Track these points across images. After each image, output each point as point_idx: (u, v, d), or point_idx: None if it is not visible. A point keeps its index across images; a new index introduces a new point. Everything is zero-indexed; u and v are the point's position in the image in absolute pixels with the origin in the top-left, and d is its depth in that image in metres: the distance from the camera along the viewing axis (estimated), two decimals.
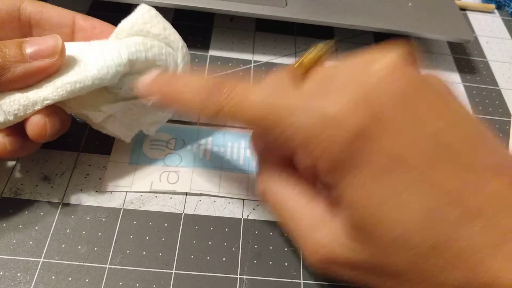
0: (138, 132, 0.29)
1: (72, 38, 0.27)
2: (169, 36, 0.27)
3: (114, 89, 0.25)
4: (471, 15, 0.47)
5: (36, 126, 0.23)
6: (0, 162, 0.28)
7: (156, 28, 0.26)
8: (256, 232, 0.28)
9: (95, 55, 0.24)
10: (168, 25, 0.27)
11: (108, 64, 0.24)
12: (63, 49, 0.23)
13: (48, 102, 0.23)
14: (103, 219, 0.27)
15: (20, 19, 0.26)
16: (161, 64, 0.26)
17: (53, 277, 0.24)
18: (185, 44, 0.28)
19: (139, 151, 0.30)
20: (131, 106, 0.26)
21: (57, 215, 0.27)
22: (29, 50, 0.23)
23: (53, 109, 0.24)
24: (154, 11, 0.27)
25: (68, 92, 0.23)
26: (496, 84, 0.40)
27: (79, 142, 0.30)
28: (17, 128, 0.24)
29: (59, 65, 0.23)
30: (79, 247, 0.26)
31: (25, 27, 0.26)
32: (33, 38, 0.24)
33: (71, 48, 0.24)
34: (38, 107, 0.23)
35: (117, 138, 0.29)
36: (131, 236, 0.26)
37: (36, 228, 0.26)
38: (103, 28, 0.27)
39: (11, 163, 0.28)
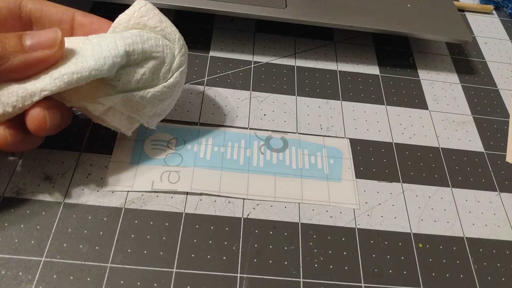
0: (139, 126, 0.29)
1: (71, 34, 0.27)
2: (166, 28, 0.27)
3: (112, 81, 0.25)
4: (469, 16, 0.48)
5: (35, 119, 0.23)
6: (2, 162, 0.29)
7: (152, 21, 0.27)
8: (256, 231, 0.28)
9: (93, 47, 0.24)
10: (164, 18, 0.27)
11: (105, 55, 0.24)
12: (62, 41, 0.23)
13: (46, 93, 0.23)
14: (105, 219, 0.27)
15: (21, 16, 0.26)
16: (158, 56, 0.26)
17: (54, 276, 0.25)
18: (182, 36, 0.28)
19: (140, 151, 0.30)
20: (131, 97, 0.26)
21: (59, 214, 0.27)
22: (29, 42, 0.23)
23: (53, 102, 0.24)
24: (150, 5, 0.27)
25: (65, 83, 0.23)
26: (494, 84, 0.41)
27: (81, 142, 0.30)
28: (18, 121, 0.24)
29: (59, 56, 0.23)
30: (81, 246, 0.26)
31: (26, 24, 0.26)
32: (33, 31, 0.24)
33: (69, 42, 0.24)
34: (36, 98, 0.23)
35: (118, 132, 0.29)
36: (132, 235, 0.27)
37: (38, 227, 0.26)
38: (102, 23, 0.28)
39: (13, 163, 0.29)
